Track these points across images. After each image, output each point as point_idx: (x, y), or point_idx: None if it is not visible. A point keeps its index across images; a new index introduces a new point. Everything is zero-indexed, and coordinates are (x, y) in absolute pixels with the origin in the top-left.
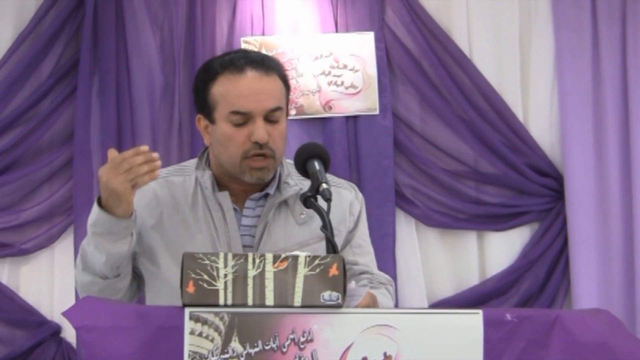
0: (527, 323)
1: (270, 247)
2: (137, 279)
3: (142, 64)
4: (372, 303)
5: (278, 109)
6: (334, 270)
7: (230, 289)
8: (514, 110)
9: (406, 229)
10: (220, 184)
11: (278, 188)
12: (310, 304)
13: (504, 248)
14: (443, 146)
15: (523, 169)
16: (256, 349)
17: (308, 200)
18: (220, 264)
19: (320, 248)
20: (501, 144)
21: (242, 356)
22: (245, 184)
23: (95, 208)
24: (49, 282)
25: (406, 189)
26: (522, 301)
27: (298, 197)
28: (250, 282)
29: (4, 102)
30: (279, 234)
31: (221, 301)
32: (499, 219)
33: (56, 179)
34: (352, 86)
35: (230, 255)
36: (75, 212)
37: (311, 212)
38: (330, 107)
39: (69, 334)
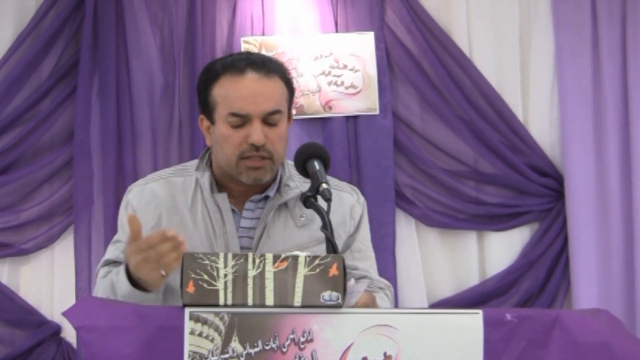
0: (527, 323)
1: (268, 249)
2: None
3: (142, 64)
4: (371, 302)
5: (277, 111)
6: (334, 270)
7: (230, 289)
8: (514, 110)
9: (406, 229)
10: (220, 185)
11: (278, 190)
12: (310, 304)
13: (504, 248)
14: (443, 146)
15: (523, 169)
16: (256, 349)
17: (308, 200)
18: (220, 264)
19: (320, 251)
20: (501, 144)
21: (242, 356)
22: (245, 185)
23: (125, 283)
24: (49, 282)
25: (406, 189)
26: (522, 301)
27: (298, 200)
28: (250, 282)
29: (4, 102)
30: (278, 236)
31: (221, 301)
32: (499, 219)
33: (56, 179)
34: (352, 86)
35: (230, 255)
36: (75, 212)
37: (311, 215)
38: (330, 107)
39: (69, 334)
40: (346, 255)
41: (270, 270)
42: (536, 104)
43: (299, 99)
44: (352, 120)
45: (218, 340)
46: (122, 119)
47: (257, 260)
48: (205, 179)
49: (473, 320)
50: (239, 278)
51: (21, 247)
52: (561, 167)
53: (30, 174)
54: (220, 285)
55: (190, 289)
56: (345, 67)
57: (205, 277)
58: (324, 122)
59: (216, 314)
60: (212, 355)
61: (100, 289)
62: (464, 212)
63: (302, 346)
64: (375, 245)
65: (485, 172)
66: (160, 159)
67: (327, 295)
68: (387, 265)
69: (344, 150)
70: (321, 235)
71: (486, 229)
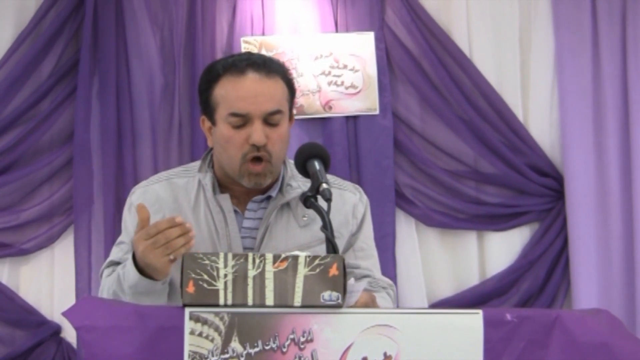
0: (527, 323)
1: (271, 249)
2: None
3: (142, 64)
4: (371, 301)
5: (277, 112)
6: (334, 270)
7: (230, 289)
8: (514, 110)
9: (406, 229)
10: (222, 185)
11: (280, 190)
12: (310, 304)
13: (504, 248)
14: (443, 146)
15: (523, 169)
16: (256, 349)
17: (308, 200)
18: (220, 264)
19: (322, 251)
20: (501, 144)
21: (242, 356)
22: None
23: (132, 271)
24: (49, 282)
25: (406, 189)
26: (522, 301)
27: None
28: (250, 282)
29: (4, 102)
30: (281, 236)
31: (221, 301)
32: (499, 219)
33: (56, 179)
34: (352, 86)
35: (230, 255)
36: (75, 212)
37: (313, 215)
38: (330, 107)
39: (69, 334)
40: (348, 254)
41: (270, 270)
42: (536, 104)
43: (299, 99)
44: (352, 120)
45: (218, 340)
46: (122, 119)
47: (257, 260)
48: (208, 180)
49: (473, 320)
50: (239, 278)
51: (21, 247)
52: (561, 167)
53: (30, 174)
54: (220, 285)
55: (190, 289)
56: (345, 67)
57: (205, 277)
58: (324, 122)
59: (216, 314)
60: (212, 355)
61: (106, 286)
62: (464, 212)
63: (302, 346)
64: (375, 245)
65: (485, 172)
66: (160, 159)
67: (327, 295)
68: (387, 265)
69: (344, 150)
70: (323, 234)
71: (486, 229)
